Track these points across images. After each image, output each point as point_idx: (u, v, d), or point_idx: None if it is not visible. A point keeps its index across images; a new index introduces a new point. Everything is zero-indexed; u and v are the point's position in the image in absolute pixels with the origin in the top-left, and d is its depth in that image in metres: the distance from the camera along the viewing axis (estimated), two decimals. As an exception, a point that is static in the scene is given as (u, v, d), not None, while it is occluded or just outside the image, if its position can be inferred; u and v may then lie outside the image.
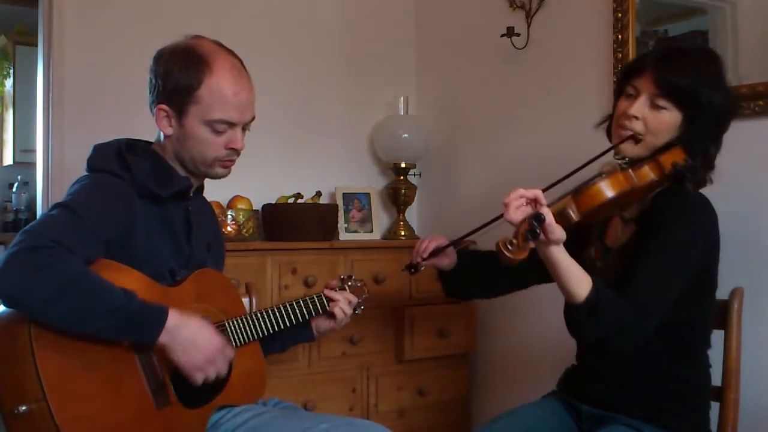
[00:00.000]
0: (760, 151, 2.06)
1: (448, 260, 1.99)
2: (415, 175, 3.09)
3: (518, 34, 2.69)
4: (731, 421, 1.78)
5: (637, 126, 1.63)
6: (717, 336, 1.82)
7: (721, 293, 1.83)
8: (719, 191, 2.13)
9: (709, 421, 1.77)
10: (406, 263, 1.96)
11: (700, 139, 1.65)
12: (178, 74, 1.58)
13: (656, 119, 1.63)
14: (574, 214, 1.48)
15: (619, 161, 1.65)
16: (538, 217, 1.39)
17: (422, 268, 1.95)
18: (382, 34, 3.15)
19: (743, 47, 2.14)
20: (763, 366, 2.02)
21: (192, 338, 1.49)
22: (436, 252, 1.93)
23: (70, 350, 1.41)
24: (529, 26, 2.69)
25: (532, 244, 1.42)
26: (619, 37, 2.36)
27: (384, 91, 3.10)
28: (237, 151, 1.65)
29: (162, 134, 1.66)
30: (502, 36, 2.69)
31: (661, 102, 1.62)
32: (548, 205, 1.48)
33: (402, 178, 3.02)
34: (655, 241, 1.60)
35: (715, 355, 1.81)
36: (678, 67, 1.63)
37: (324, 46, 3.01)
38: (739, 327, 1.81)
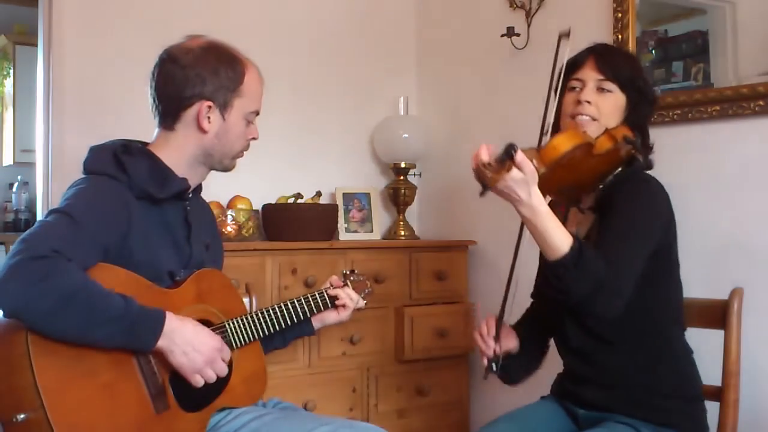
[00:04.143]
0: (760, 151, 2.06)
1: (513, 340, 1.83)
2: (415, 175, 3.09)
3: (518, 34, 2.69)
4: (731, 422, 1.78)
5: (591, 110, 1.72)
6: (716, 336, 1.82)
7: (721, 293, 1.84)
8: (719, 191, 2.14)
9: (705, 411, 1.76)
10: (487, 364, 1.74)
11: (642, 122, 1.78)
12: (225, 71, 1.64)
13: (605, 101, 1.73)
14: (539, 165, 1.52)
15: None
16: (511, 144, 1.44)
17: (501, 357, 1.75)
18: (382, 34, 3.15)
19: (743, 47, 2.14)
20: (762, 366, 2.02)
21: (190, 340, 1.50)
22: (497, 336, 1.76)
23: (67, 357, 1.41)
24: (529, 26, 2.69)
25: (507, 169, 1.45)
26: (620, 37, 2.36)
27: (384, 91, 3.10)
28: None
29: (189, 133, 1.65)
30: (502, 36, 2.69)
31: (607, 85, 1.72)
32: None
33: (402, 178, 3.02)
34: (616, 210, 1.66)
35: (715, 355, 1.81)
36: (615, 55, 1.78)
37: (324, 47, 3.01)
38: (739, 327, 1.81)
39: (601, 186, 1.74)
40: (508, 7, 2.75)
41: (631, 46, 2.33)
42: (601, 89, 1.72)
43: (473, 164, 1.49)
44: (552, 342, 1.93)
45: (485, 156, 1.47)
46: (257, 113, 1.72)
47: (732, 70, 2.14)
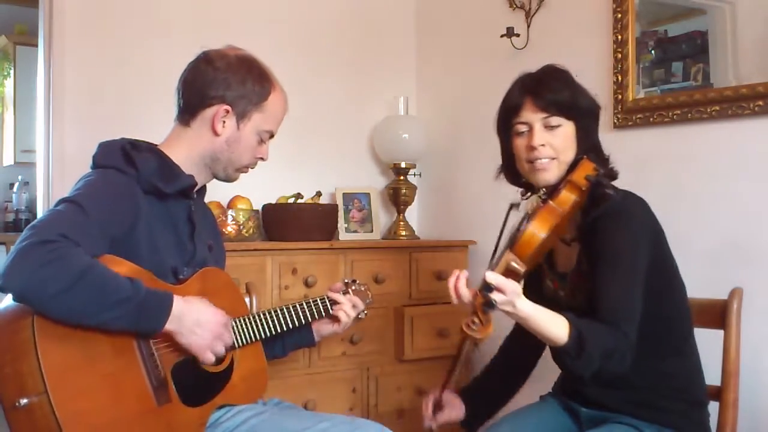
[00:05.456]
0: (760, 150, 2.06)
1: (456, 410, 1.93)
2: (415, 175, 3.09)
3: (518, 35, 2.69)
4: (730, 422, 1.78)
5: (547, 152, 1.69)
6: (716, 336, 1.82)
7: (721, 293, 1.84)
8: (718, 190, 2.15)
9: (709, 415, 1.76)
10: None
11: (594, 139, 1.76)
12: (252, 83, 1.68)
13: (557, 138, 1.70)
14: (519, 266, 1.48)
15: (539, 195, 1.71)
16: (487, 287, 1.39)
17: (437, 428, 1.89)
18: (382, 34, 3.15)
19: (743, 47, 2.14)
20: (762, 366, 2.02)
21: (197, 319, 1.53)
22: (439, 405, 1.90)
23: (72, 344, 1.42)
24: (528, 26, 2.70)
25: (491, 314, 1.42)
26: (619, 37, 2.36)
27: (384, 91, 3.10)
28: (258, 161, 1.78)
29: (202, 133, 1.68)
30: (501, 36, 2.70)
31: (554, 121, 1.69)
32: (492, 268, 1.49)
33: (402, 178, 3.03)
34: (602, 257, 1.63)
35: (714, 355, 1.81)
36: (550, 87, 1.71)
37: (324, 46, 3.01)
38: (738, 327, 1.81)
39: (578, 215, 1.71)
40: (507, 8, 2.75)
41: (631, 46, 2.34)
42: (549, 126, 1.69)
43: (452, 296, 1.49)
44: (516, 383, 2.00)
45: (464, 296, 1.46)
46: (272, 135, 1.76)
47: (732, 71, 2.14)
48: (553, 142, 1.69)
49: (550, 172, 1.70)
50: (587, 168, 1.64)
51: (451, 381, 1.86)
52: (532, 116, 1.71)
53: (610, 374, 1.57)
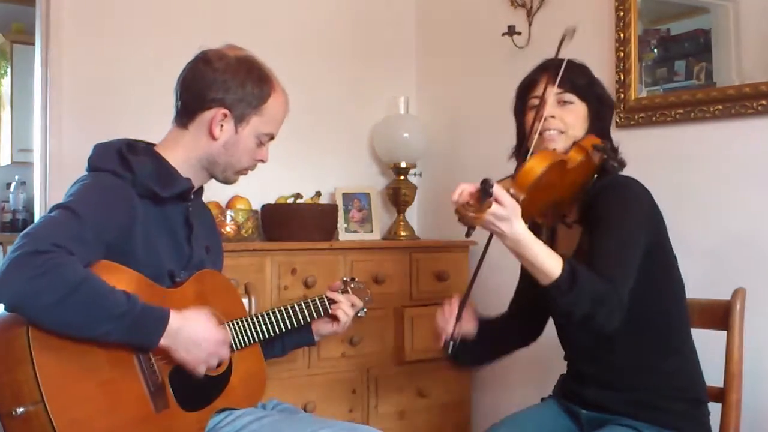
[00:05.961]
0: (763, 150, 2.06)
1: (471, 325, 1.85)
2: (415, 175, 3.08)
3: (519, 33, 2.68)
4: (733, 423, 1.78)
5: (557, 124, 1.72)
6: (719, 337, 1.81)
7: (723, 293, 1.83)
8: (721, 190, 2.14)
9: (709, 414, 1.75)
10: (443, 344, 1.70)
11: (606, 127, 1.79)
12: (252, 86, 1.65)
13: (568, 113, 1.73)
14: (517, 193, 1.52)
15: None
16: (486, 181, 1.43)
17: (459, 339, 1.70)
18: (382, 34, 3.14)
19: (746, 46, 2.13)
20: (765, 367, 2.01)
21: (193, 337, 1.50)
22: (458, 316, 1.75)
23: (68, 352, 1.40)
24: (530, 25, 2.69)
25: (486, 206, 1.44)
26: (621, 35, 2.35)
27: (384, 90, 3.09)
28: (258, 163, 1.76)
29: (199, 136, 1.65)
30: (503, 35, 2.69)
31: (567, 97, 1.73)
32: None
33: (402, 178, 3.01)
34: (600, 223, 1.65)
35: (717, 356, 1.80)
36: (568, 67, 1.72)
37: (324, 46, 3.00)
38: (741, 328, 1.81)
39: (581, 196, 1.73)
40: (509, 6, 2.74)
41: (633, 44, 2.33)
42: (562, 102, 1.72)
43: (454, 206, 1.49)
44: (511, 348, 1.97)
45: (464, 197, 1.47)
46: (272, 138, 1.74)
47: (735, 69, 2.14)
48: (564, 117, 1.72)
49: (557, 144, 1.71)
50: (594, 139, 1.70)
51: (470, 294, 1.71)
52: (546, 90, 1.72)
53: (599, 329, 1.57)
